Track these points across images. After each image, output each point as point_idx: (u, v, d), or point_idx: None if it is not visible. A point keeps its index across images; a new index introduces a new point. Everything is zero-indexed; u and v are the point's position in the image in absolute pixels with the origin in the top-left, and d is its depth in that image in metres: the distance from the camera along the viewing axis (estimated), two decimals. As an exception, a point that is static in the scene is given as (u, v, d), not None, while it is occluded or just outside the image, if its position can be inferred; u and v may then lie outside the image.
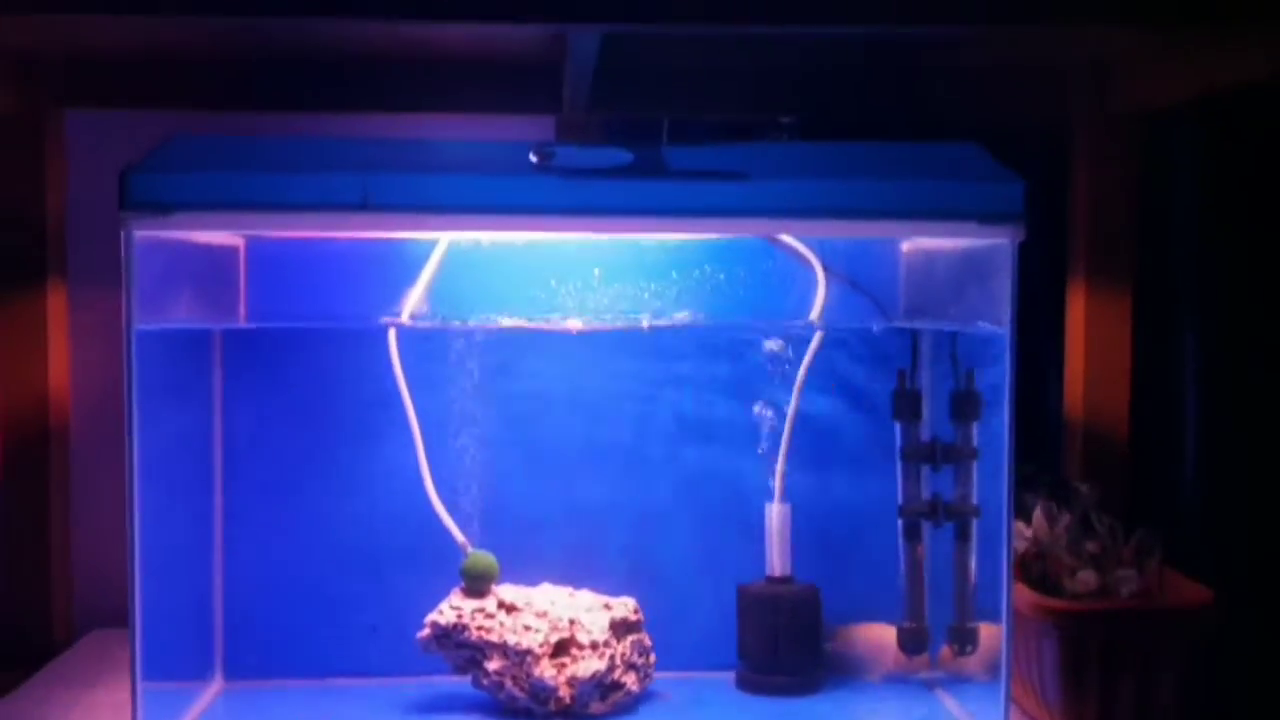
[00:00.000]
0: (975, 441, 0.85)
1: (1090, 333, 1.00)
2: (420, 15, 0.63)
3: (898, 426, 0.87)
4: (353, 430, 0.84)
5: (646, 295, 0.86)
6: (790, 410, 0.86)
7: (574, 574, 0.85)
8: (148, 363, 0.70)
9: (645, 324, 0.80)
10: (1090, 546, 0.81)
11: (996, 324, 0.74)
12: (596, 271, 0.84)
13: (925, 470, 0.86)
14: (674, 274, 0.86)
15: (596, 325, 0.79)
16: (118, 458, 0.71)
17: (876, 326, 0.84)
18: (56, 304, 1.00)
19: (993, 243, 0.72)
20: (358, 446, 0.84)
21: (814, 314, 0.87)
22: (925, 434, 0.87)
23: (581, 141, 0.96)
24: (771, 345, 0.88)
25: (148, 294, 0.71)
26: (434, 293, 0.84)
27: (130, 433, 0.71)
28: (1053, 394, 1.05)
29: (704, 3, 0.63)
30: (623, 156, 0.75)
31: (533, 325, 0.77)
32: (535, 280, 0.85)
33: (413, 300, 0.84)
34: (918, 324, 0.82)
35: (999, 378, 0.74)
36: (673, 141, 1.01)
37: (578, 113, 0.93)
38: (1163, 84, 0.92)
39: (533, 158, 0.75)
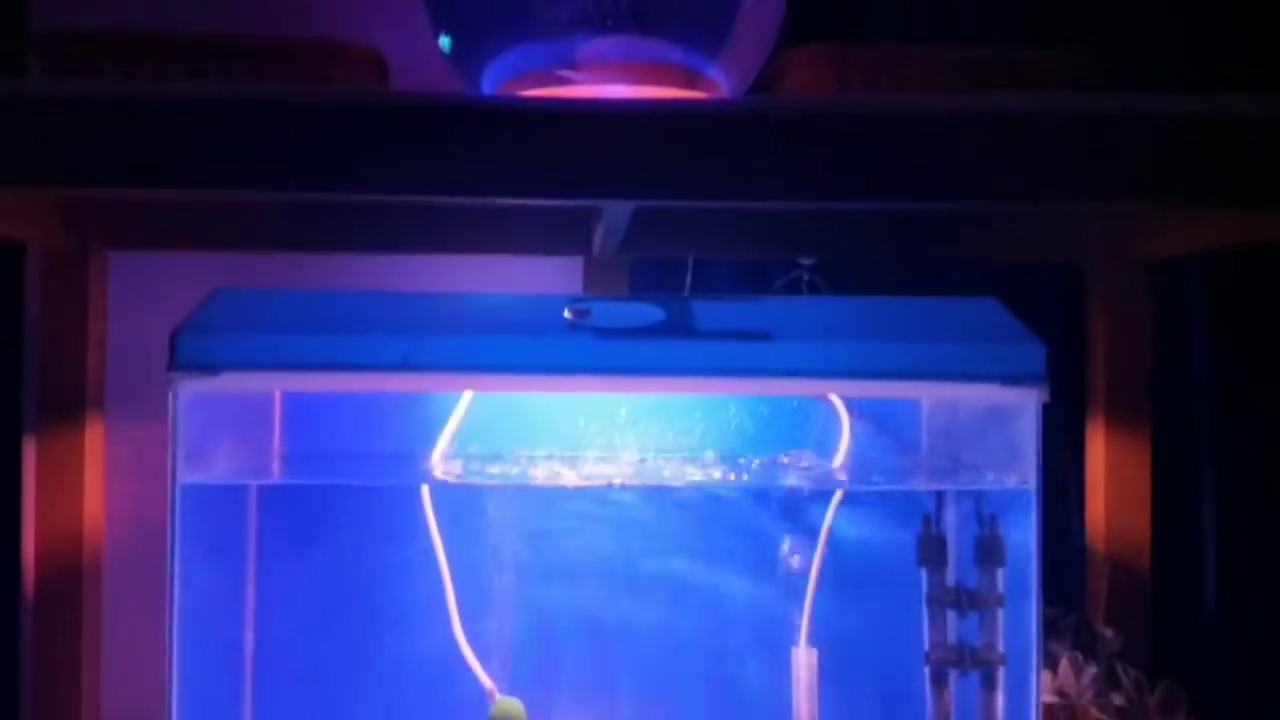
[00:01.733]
0: (1000, 588, 0.86)
1: (1110, 473, 1.01)
2: (456, 192, 0.66)
3: (923, 572, 0.88)
4: (383, 580, 0.85)
5: (670, 435, 0.88)
6: (817, 554, 0.87)
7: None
8: (189, 516, 0.72)
9: (678, 480, 0.82)
10: (1116, 699, 0.81)
11: (1022, 482, 0.75)
12: (623, 412, 0.87)
13: (951, 616, 0.87)
14: (698, 415, 0.89)
15: (628, 482, 0.80)
16: (150, 596, 0.72)
17: (898, 486, 0.84)
18: (94, 440, 1.02)
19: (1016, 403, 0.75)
20: (387, 596, 0.85)
21: (838, 460, 0.89)
22: (950, 579, 0.88)
23: (609, 284, 0.99)
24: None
25: (192, 449, 0.73)
26: (464, 434, 0.87)
27: (173, 587, 0.73)
28: (1074, 529, 1.06)
29: (739, 179, 0.66)
30: (654, 313, 0.78)
31: (564, 483, 0.79)
32: (563, 418, 0.87)
33: (442, 445, 0.86)
34: (942, 485, 0.83)
35: (1024, 528, 0.76)
36: (697, 281, 1.04)
37: (606, 257, 0.96)
38: (1182, 236, 0.94)
39: (568, 315, 0.78)
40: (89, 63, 0.77)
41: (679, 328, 0.75)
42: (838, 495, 0.83)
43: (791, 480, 0.79)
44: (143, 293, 1.04)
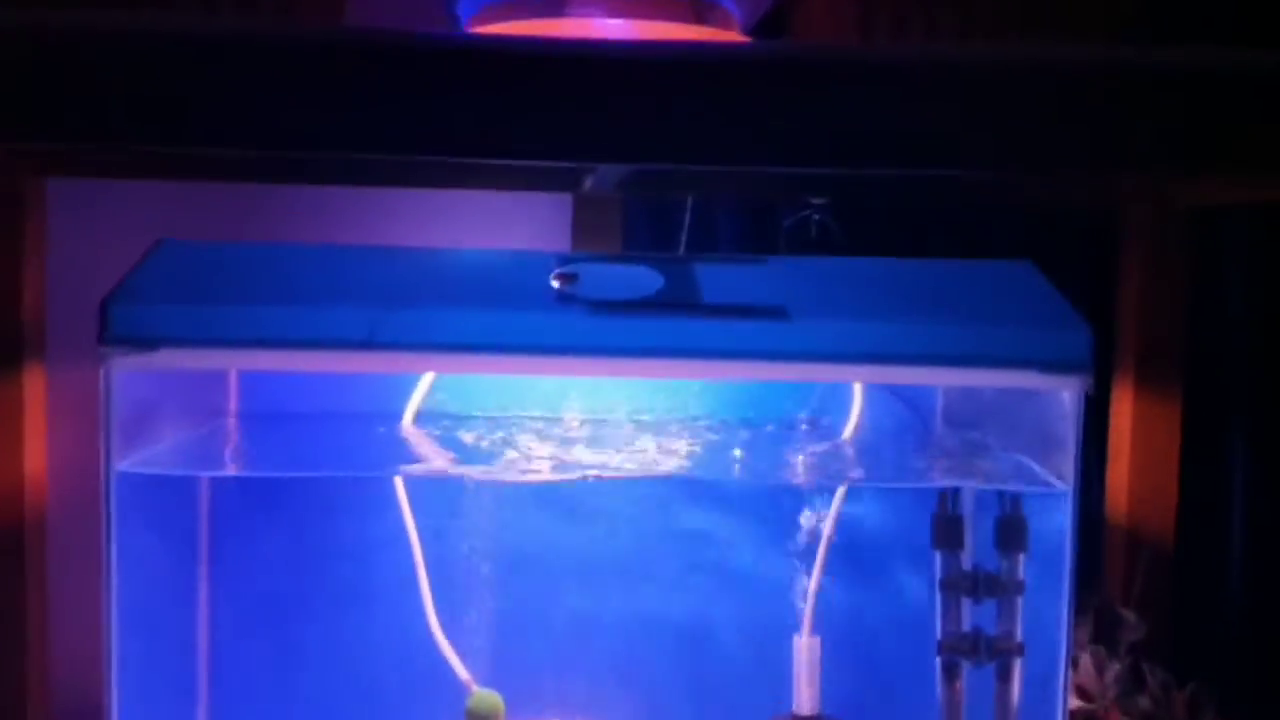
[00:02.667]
0: (1021, 574, 0.80)
1: (1136, 440, 0.94)
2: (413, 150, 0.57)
3: (937, 555, 0.81)
4: (351, 569, 0.78)
5: (663, 394, 0.80)
6: (823, 540, 0.80)
7: (586, 712, 0.79)
8: (126, 507, 0.64)
9: (665, 469, 0.73)
10: (1143, 702, 0.76)
11: (1058, 477, 0.68)
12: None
13: (966, 603, 0.81)
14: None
15: (613, 474, 0.72)
16: (98, 547, 0.66)
17: (910, 482, 0.76)
18: (34, 385, 0.94)
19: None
20: (357, 586, 0.78)
21: (848, 431, 0.82)
22: (967, 563, 0.82)
23: (600, 225, 0.89)
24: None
25: (129, 430, 0.65)
26: (437, 388, 0.78)
27: (109, 576, 0.65)
28: (1091, 496, 1.00)
29: (754, 140, 0.57)
30: (650, 279, 0.69)
31: (546, 478, 0.70)
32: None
33: (413, 408, 0.78)
34: (965, 478, 0.75)
35: (1057, 530, 0.69)
36: (696, 222, 0.94)
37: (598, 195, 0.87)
38: (1227, 184, 0.86)
39: (555, 283, 0.69)
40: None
41: (679, 300, 0.66)
42: (841, 491, 0.76)
43: (791, 474, 0.71)
44: (85, 225, 0.95)
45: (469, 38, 0.58)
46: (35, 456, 0.96)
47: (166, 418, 0.72)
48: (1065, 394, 0.65)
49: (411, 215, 0.95)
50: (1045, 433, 0.70)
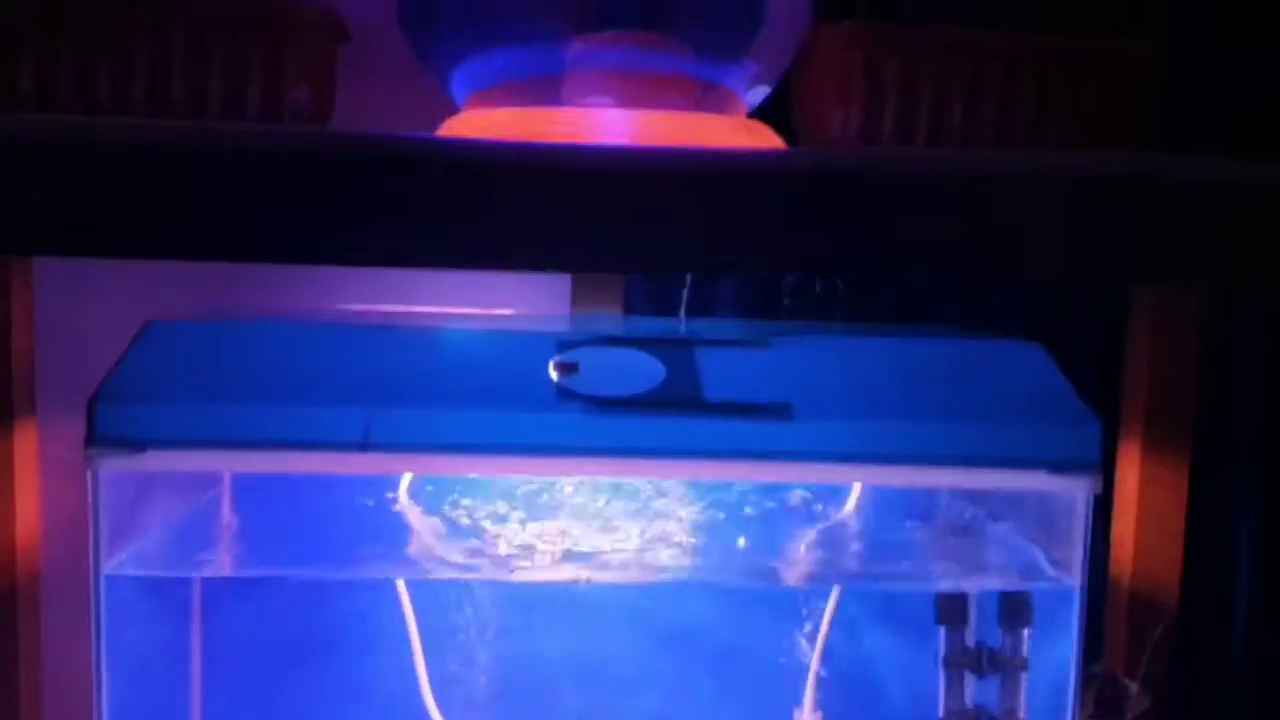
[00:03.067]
0: (1025, 650, 0.79)
1: (1143, 505, 0.93)
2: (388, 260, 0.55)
3: (941, 630, 0.80)
4: (348, 664, 0.75)
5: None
6: (822, 630, 0.78)
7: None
8: (117, 612, 0.63)
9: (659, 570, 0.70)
10: (1147, 785, 0.75)
11: (1063, 569, 0.66)
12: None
13: (970, 679, 0.80)
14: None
15: (611, 577, 0.70)
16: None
17: (909, 583, 0.74)
18: (25, 439, 0.92)
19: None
20: (352, 678, 0.75)
21: (849, 505, 0.80)
22: (971, 639, 0.81)
23: (599, 295, 0.87)
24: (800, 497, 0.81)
25: (118, 532, 0.64)
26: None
27: (99, 676, 0.64)
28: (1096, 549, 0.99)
29: (760, 247, 0.55)
30: (651, 369, 0.68)
31: (549, 578, 0.69)
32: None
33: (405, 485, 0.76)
34: (966, 577, 0.73)
35: (1063, 633, 0.67)
36: (696, 289, 0.92)
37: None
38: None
39: (554, 373, 0.67)
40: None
41: (681, 396, 0.64)
42: (835, 592, 0.74)
43: (790, 572, 0.69)
44: (74, 274, 0.93)
45: (460, 145, 0.56)
46: (27, 514, 0.95)
47: (157, 497, 0.71)
48: (1073, 492, 0.64)
49: (407, 283, 0.94)
50: (1051, 524, 0.69)
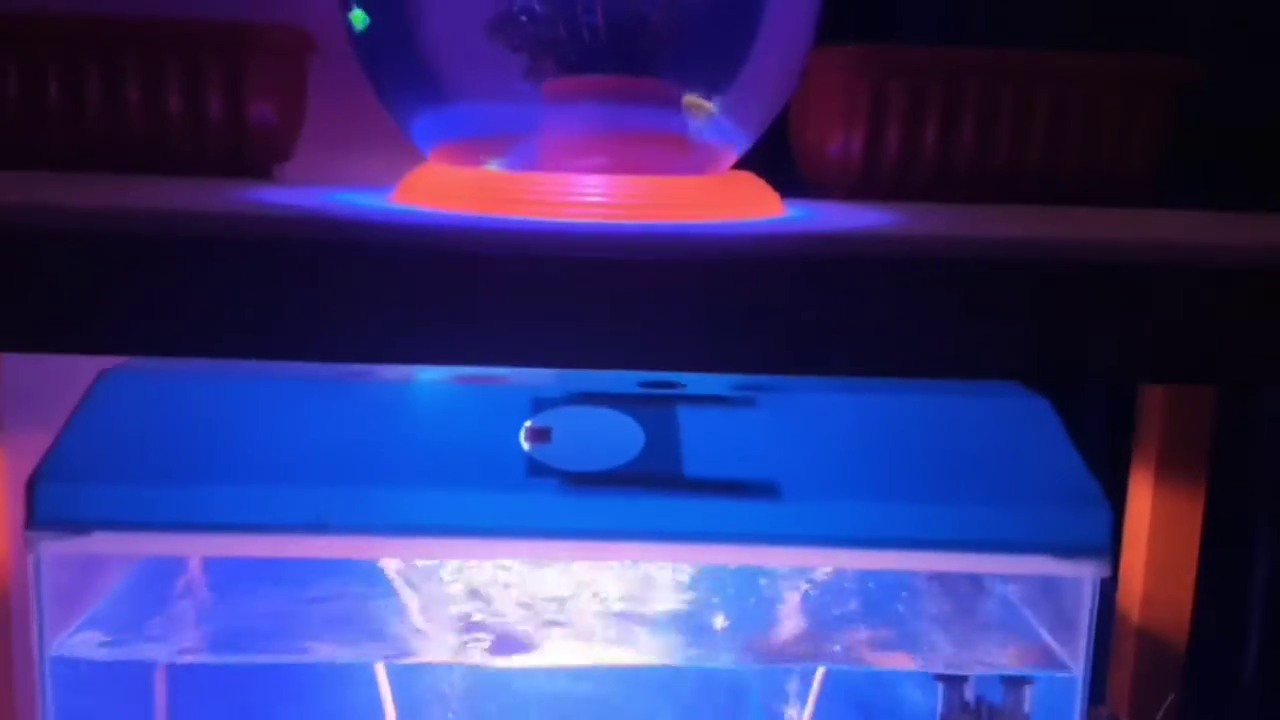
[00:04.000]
0: (1027, 707, 0.75)
1: (1155, 534, 0.89)
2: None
3: (939, 686, 0.77)
4: None
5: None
6: (810, 701, 0.74)
7: None
8: (65, 698, 0.60)
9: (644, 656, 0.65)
10: None
11: (1070, 659, 0.63)
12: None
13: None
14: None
15: (591, 662, 0.65)
16: None
17: (893, 665, 0.69)
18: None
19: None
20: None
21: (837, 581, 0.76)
22: (970, 695, 0.78)
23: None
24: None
25: (65, 611, 0.60)
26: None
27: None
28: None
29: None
30: (630, 434, 0.63)
31: (517, 664, 0.64)
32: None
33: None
34: (960, 663, 0.69)
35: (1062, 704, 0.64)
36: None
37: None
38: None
39: (525, 444, 0.63)
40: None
41: (661, 466, 0.60)
42: (820, 673, 0.70)
43: (780, 651, 0.65)
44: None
45: (419, 228, 0.51)
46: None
47: (109, 569, 0.67)
48: (1079, 577, 0.60)
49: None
50: (1057, 603, 0.65)
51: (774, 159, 0.68)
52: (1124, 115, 0.75)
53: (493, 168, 0.58)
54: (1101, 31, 0.87)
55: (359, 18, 0.55)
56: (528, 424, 0.62)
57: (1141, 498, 0.91)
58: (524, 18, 0.59)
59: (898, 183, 0.75)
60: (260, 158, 0.73)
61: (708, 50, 0.58)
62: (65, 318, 0.48)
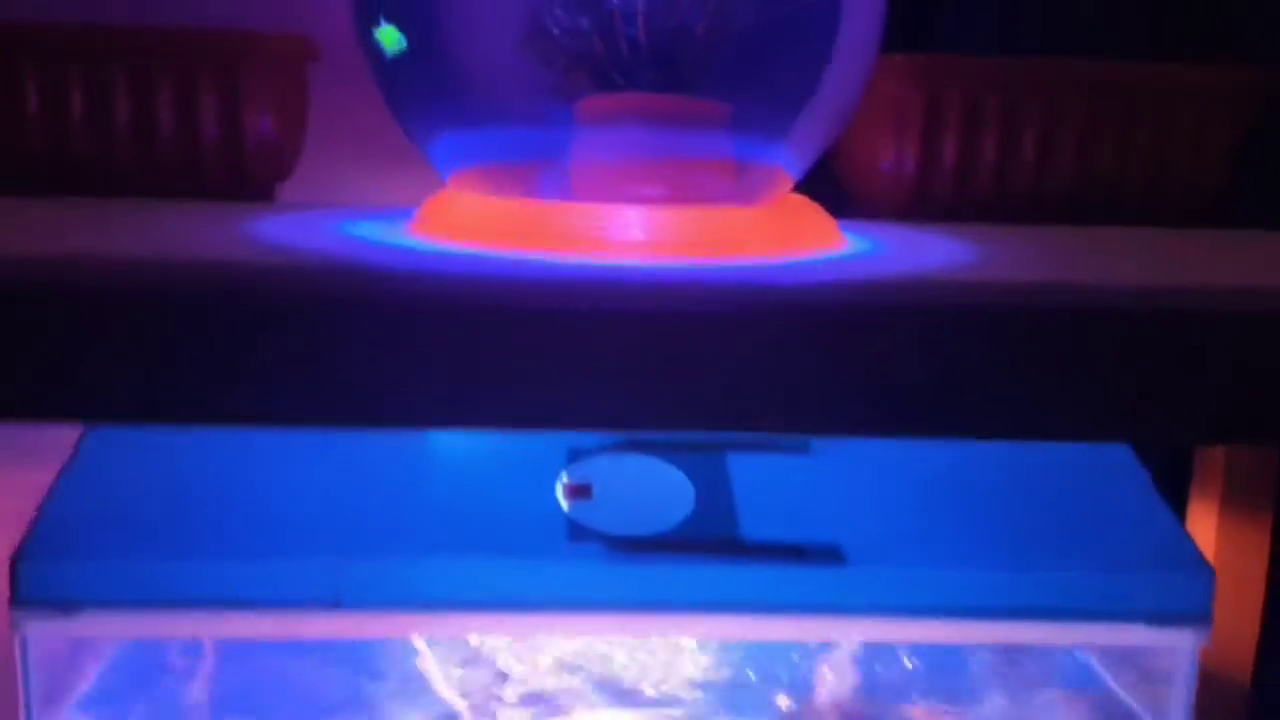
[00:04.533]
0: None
1: (1219, 563, 0.84)
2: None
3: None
4: None
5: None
6: None
7: None
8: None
9: None
10: None
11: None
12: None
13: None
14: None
15: None
16: None
17: None
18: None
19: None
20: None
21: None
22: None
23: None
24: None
25: (53, 697, 0.54)
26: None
27: None
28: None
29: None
30: (678, 489, 0.57)
31: None
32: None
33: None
34: None
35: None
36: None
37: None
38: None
39: (563, 500, 0.57)
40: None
41: (714, 527, 0.54)
42: None
43: None
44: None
45: (457, 278, 0.45)
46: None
47: (103, 646, 0.61)
48: (1175, 648, 0.55)
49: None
50: (1149, 673, 0.59)
51: (813, 173, 0.63)
52: (1197, 129, 0.70)
53: (519, 196, 0.52)
54: (1158, 40, 0.81)
55: (390, 36, 0.49)
56: (564, 478, 0.56)
57: (1205, 525, 0.86)
58: (556, 30, 0.54)
59: (953, 201, 0.70)
60: (260, 177, 0.67)
61: (769, 64, 0.52)
62: (44, 380, 0.42)
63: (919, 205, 0.68)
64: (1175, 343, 0.45)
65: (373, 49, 0.52)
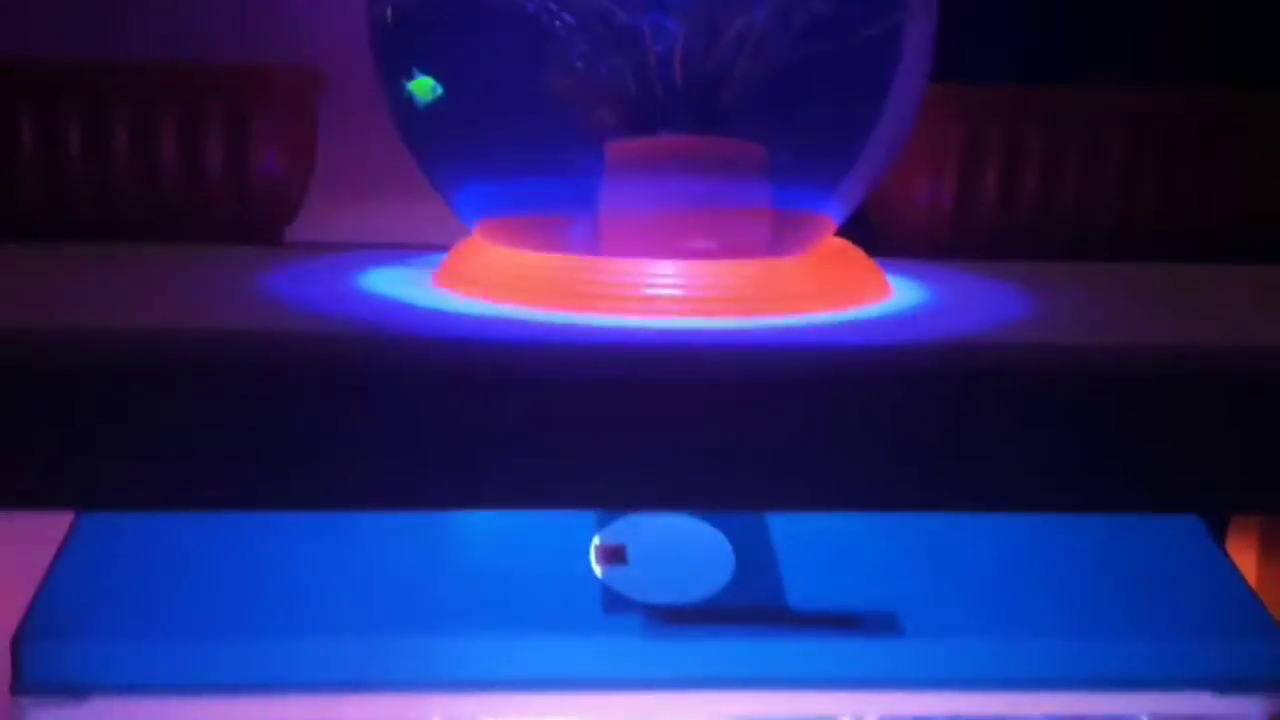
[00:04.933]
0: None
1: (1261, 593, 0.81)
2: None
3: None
4: None
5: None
6: None
7: None
8: None
9: None
10: None
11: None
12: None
13: None
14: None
15: None
16: None
17: None
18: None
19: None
20: None
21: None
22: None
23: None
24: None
25: None
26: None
27: None
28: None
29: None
30: (717, 552, 0.54)
31: None
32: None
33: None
34: None
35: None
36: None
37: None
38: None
39: (597, 567, 0.54)
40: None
41: (758, 594, 0.51)
42: None
43: None
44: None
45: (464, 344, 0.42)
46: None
47: None
48: (1244, 718, 0.52)
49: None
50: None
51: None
52: (1242, 159, 0.68)
53: (549, 250, 0.49)
54: (1196, 68, 0.79)
55: (425, 87, 0.46)
56: (598, 541, 0.53)
57: (1245, 559, 0.84)
58: (580, 64, 0.51)
59: (991, 237, 0.67)
60: (267, 219, 0.64)
61: (816, 105, 0.48)
62: (36, 469, 0.39)
63: (956, 242, 0.66)
64: (1260, 411, 0.42)
65: (397, 98, 0.49)
